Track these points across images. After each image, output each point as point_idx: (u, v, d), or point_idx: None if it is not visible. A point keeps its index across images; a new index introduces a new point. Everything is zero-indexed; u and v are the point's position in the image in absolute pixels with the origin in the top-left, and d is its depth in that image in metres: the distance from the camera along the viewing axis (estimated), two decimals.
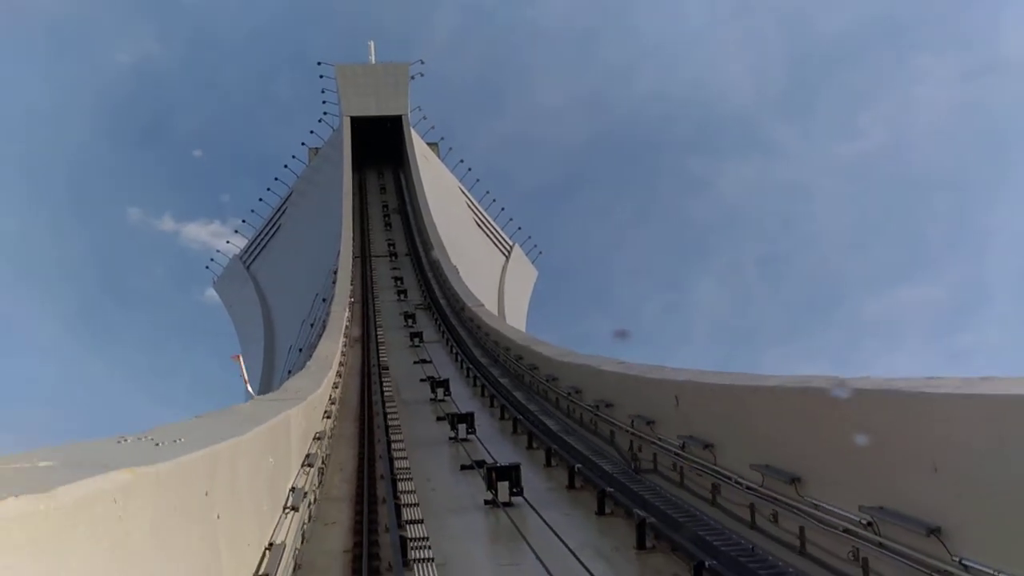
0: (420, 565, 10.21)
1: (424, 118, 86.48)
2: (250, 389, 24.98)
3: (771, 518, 10.50)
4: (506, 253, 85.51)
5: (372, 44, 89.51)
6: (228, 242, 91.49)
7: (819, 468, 9.57)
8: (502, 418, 23.44)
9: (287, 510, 9.33)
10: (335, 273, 47.45)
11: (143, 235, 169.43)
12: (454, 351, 35.91)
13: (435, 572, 9.94)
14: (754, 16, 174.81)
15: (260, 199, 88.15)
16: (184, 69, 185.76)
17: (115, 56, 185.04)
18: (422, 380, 28.87)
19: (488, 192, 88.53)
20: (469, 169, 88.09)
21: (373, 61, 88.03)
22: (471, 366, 31.63)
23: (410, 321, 41.93)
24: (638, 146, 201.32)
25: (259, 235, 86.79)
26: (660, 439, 14.56)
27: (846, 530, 8.78)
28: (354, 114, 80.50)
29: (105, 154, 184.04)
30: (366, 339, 37.35)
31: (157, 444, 5.09)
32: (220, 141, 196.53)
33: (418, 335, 38.14)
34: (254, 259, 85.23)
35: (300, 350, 45.57)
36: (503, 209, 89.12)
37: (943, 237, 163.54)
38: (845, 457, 8.97)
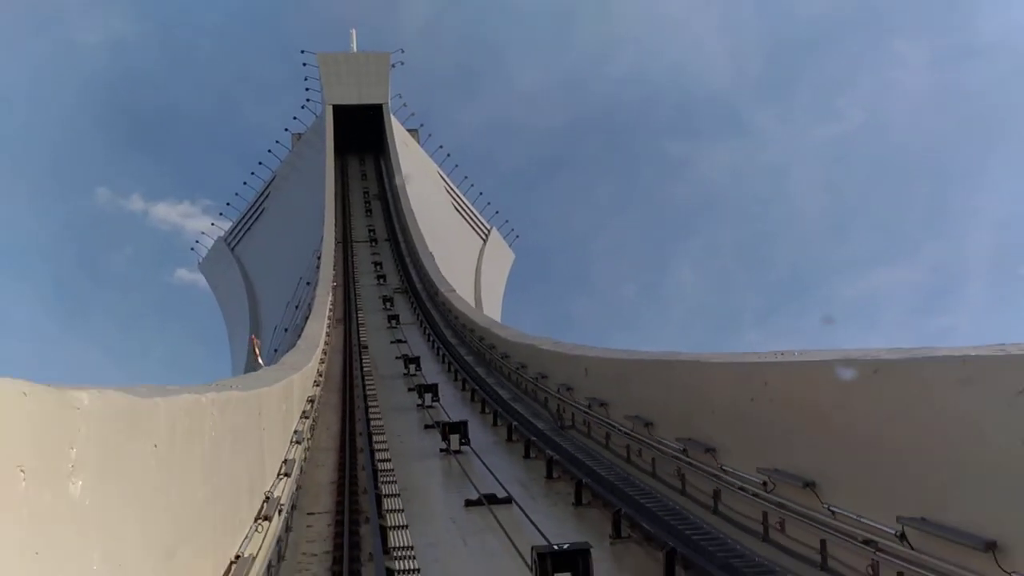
0: (386, 486, 14.35)
1: (404, 105, 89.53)
2: (262, 362, 29.10)
3: (638, 453, 14.74)
4: (484, 237, 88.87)
5: (354, 32, 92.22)
6: (212, 224, 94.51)
7: (663, 414, 13.77)
8: (463, 389, 27.59)
9: (293, 443, 13.45)
10: (318, 258, 50.74)
11: (112, 215, 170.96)
12: (427, 332, 39.68)
13: (397, 489, 14.07)
14: None
15: (244, 183, 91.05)
16: (156, 50, 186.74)
17: (84, 36, 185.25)
18: (397, 358, 32.63)
19: (467, 177, 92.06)
20: (448, 155, 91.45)
21: (355, 49, 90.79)
22: (441, 345, 35.59)
23: (388, 304, 45.18)
24: (616, 129, 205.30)
25: (243, 218, 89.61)
26: (575, 402, 18.79)
27: (673, 456, 13.00)
28: (336, 102, 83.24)
29: (73, 133, 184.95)
30: (348, 321, 40.80)
31: (232, 387, 9.15)
32: (191, 122, 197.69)
33: (395, 317, 41.51)
34: (239, 241, 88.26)
35: (285, 330, 48.90)
36: (481, 194, 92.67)
37: (922, 219, 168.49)
38: (675, 406, 13.23)
